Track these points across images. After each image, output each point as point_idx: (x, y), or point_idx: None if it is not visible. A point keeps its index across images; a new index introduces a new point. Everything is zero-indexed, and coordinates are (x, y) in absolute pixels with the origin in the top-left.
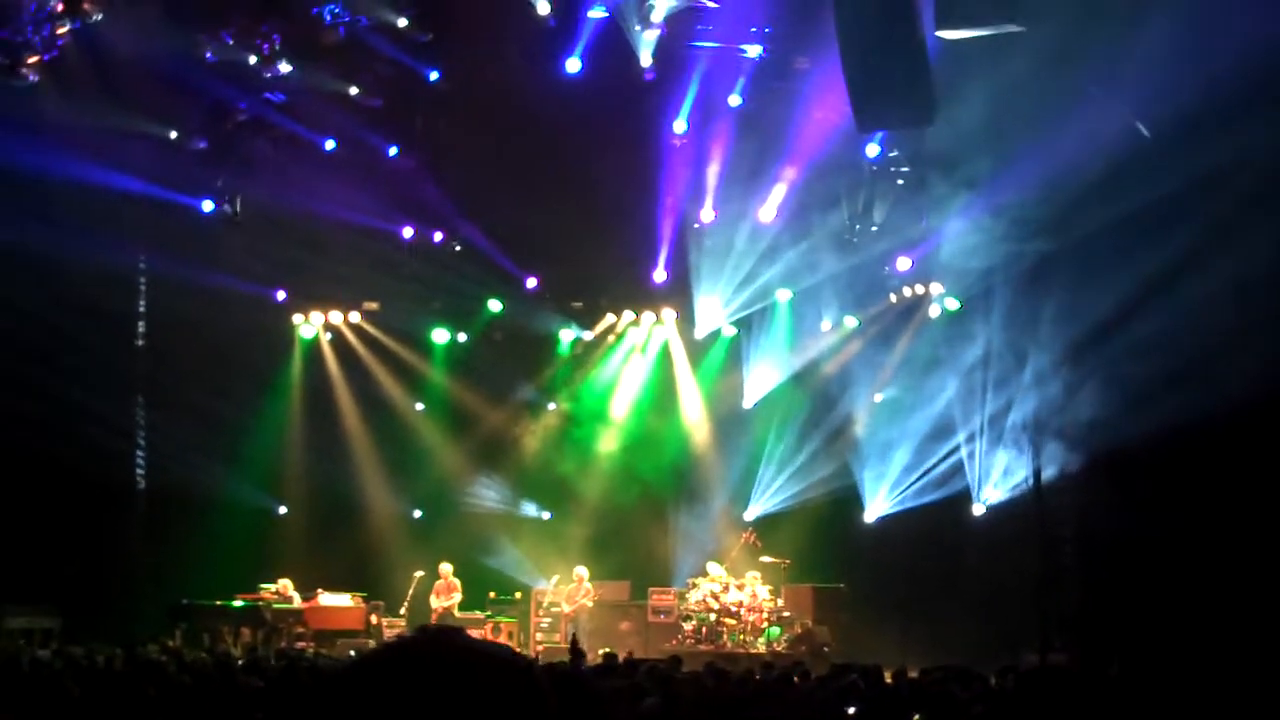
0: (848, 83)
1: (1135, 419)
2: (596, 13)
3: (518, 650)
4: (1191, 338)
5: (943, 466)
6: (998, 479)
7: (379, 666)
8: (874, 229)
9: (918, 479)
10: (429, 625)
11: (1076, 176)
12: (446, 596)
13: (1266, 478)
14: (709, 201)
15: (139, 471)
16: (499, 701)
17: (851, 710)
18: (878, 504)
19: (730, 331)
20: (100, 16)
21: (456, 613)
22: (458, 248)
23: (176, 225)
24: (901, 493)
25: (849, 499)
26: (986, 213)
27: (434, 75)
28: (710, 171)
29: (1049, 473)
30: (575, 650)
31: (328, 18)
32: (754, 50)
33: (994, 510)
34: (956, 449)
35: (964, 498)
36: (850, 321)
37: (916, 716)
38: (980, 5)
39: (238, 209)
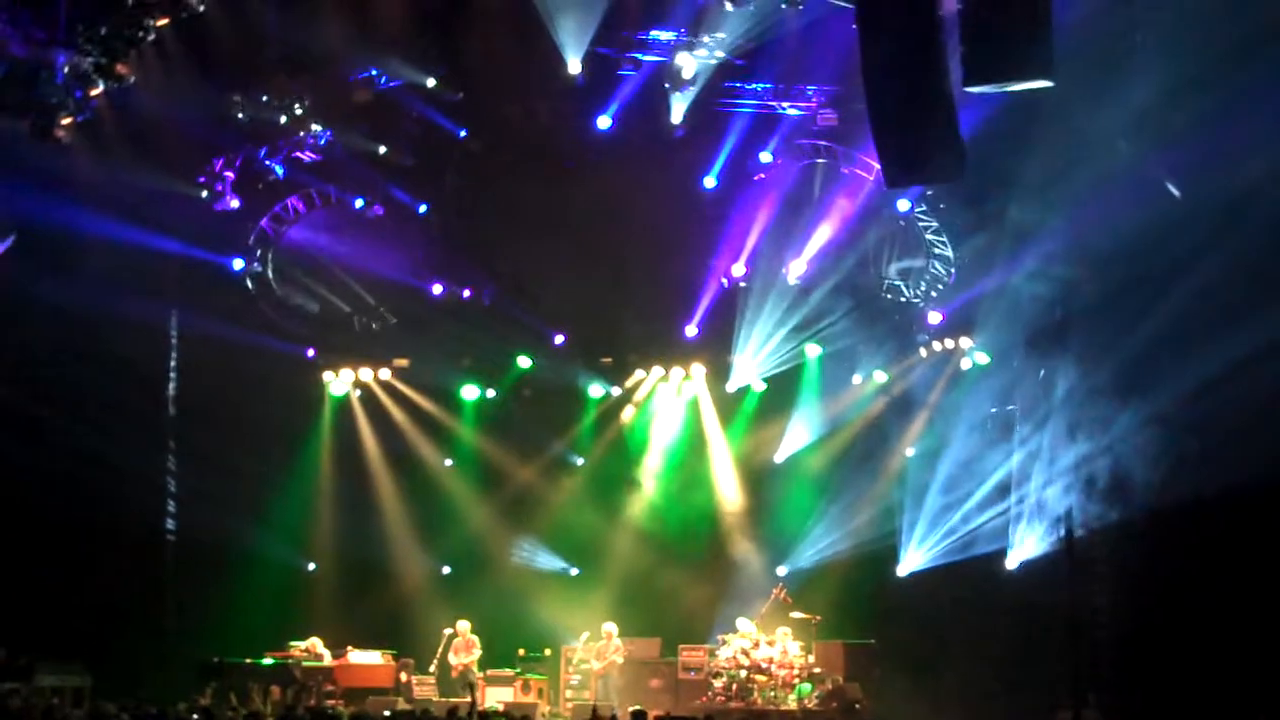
0: (875, 139)
1: (1174, 481)
2: (627, 71)
3: None
4: (1233, 405)
5: (975, 521)
6: (1030, 534)
7: None
8: (905, 283)
9: (950, 534)
10: None
11: (1112, 235)
12: (466, 653)
13: None
14: (741, 257)
15: (169, 527)
16: None
17: None
18: (910, 559)
19: (760, 386)
20: (134, 78)
21: (476, 669)
22: (487, 304)
23: (208, 282)
24: (934, 548)
25: (881, 554)
26: (1022, 270)
27: (463, 133)
28: (740, 227)
29: (1082, 529)
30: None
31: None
32: (784, 107)
33: (1026, 566)
34: (989, 503)
35: (997, 553)
36: (880, 376)
37: None
38: (1009, 61)
39: (269, 267)
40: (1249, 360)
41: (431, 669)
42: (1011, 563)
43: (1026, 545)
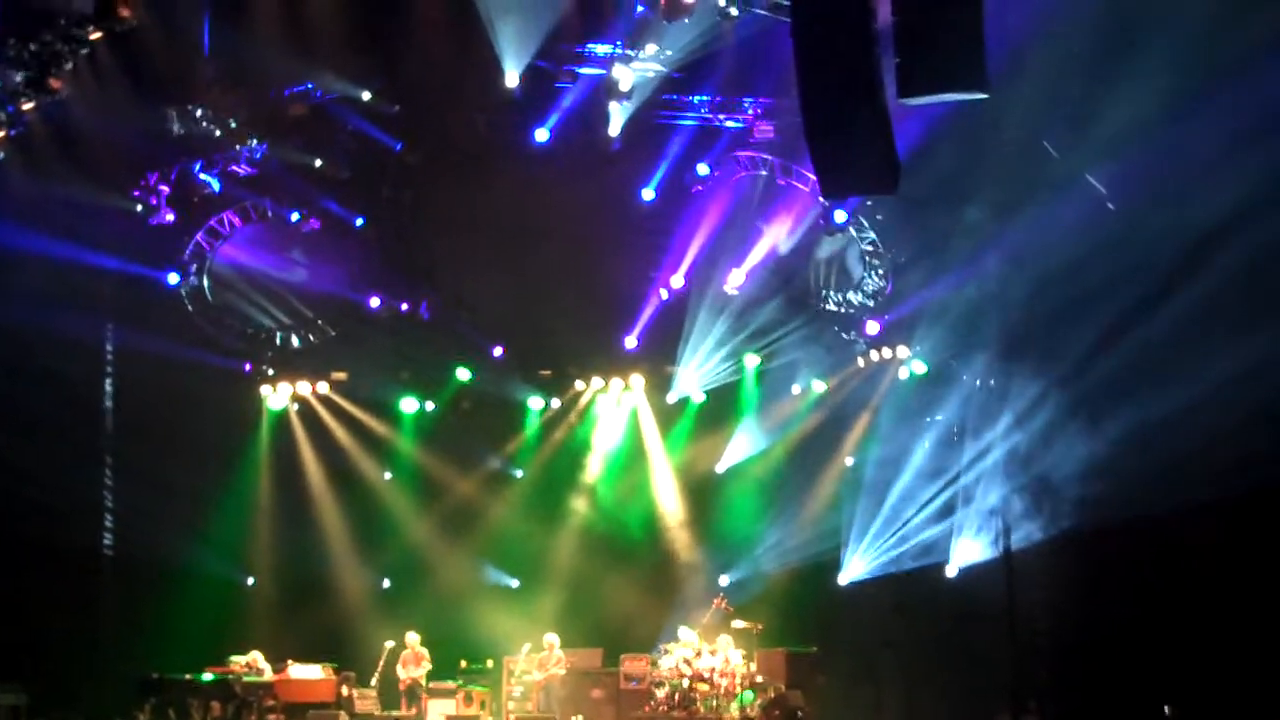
0: (810, 151)
1: (1113, 495)
2: (564, 84)
3: None
4: (1169, 429)
5: (915, 530)
6: (970, 543)
7: None
8: (842, 293)
9: (891, 542)
10: None
11: (1050, 249)
12: (415, 666)
13: (1234, 565)
14: (680, 269)
15: (106, 543)
16: None
17: None
18: (851, 568)
19: (700, 397)
20: (66, 92)
21: (425, 683)
22: (425, 317)
23: (143, 297)
24: (875, 557)
25: (822, 563)
26: (957, 286)
27: (400, 146)
28: (679, 240)
29: (1020, 537)
30: None
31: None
32: (722, 120)
33: (966, 574)
34: (929, 512)
35: (937, 562)
36: (819, 386)
37: None
38: (943, 73)
39: (205, 281)
40: (1194, 379)
41: (373, 682)
42: (951, 571)
43: (966, 554)
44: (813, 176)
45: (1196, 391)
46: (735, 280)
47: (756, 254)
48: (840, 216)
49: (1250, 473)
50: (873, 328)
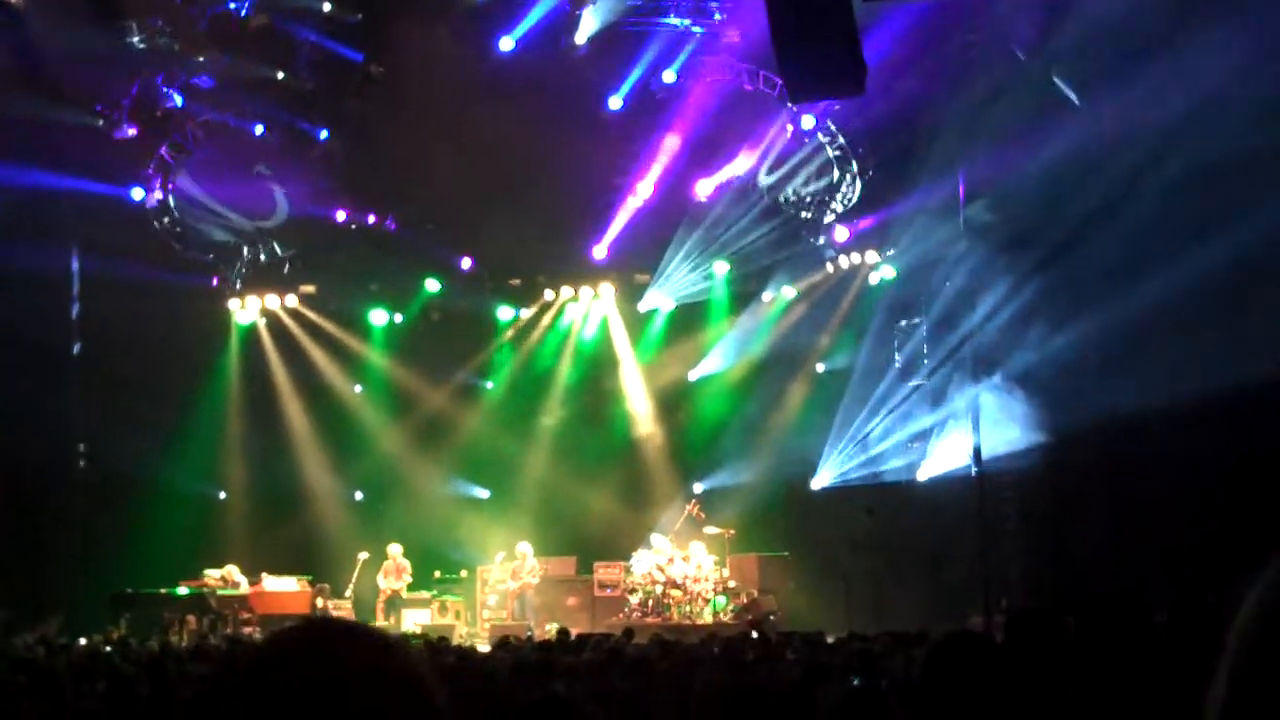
0: (777, 54)
1: (1082, 403)
2: None
3: (410, 641)
4: (1140, 331)
5: (885, 435)
6: (940, 446)
7: (250, 672)
8: (811, 200)
9: (860, 449)
10: (311, 619)
11: (1021, 151)
12: (396, 578)
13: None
14: (649, 178)
15: (79, 464)
16: (377, 703)
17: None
18: (823, 474)
19: (670, 305)
20: (23, 5)
21: (405, 594)
22: (392, 229)
23: (107, 214)
24: (845, 463)
25: (793, 470)
26: (927, 191)
27: (362, 57)
28: (648, 148)
29: (991, 439)
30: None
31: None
32: (690, 26)
33: (937, 477)
34: (898, 417)
35: (907, 466)
36: (789, 292)
37: (856, 680)
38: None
39: (169, 197)
40: (1166, 291)
41: (348, 594)
42: (923, 475)
43: (937, 457)
44: (780, 81)
45: (1170, 291)
46: (704, 188)
47: (724, 161)
48: (808, 122)
49: (1221, 377)
50: (842, 234)
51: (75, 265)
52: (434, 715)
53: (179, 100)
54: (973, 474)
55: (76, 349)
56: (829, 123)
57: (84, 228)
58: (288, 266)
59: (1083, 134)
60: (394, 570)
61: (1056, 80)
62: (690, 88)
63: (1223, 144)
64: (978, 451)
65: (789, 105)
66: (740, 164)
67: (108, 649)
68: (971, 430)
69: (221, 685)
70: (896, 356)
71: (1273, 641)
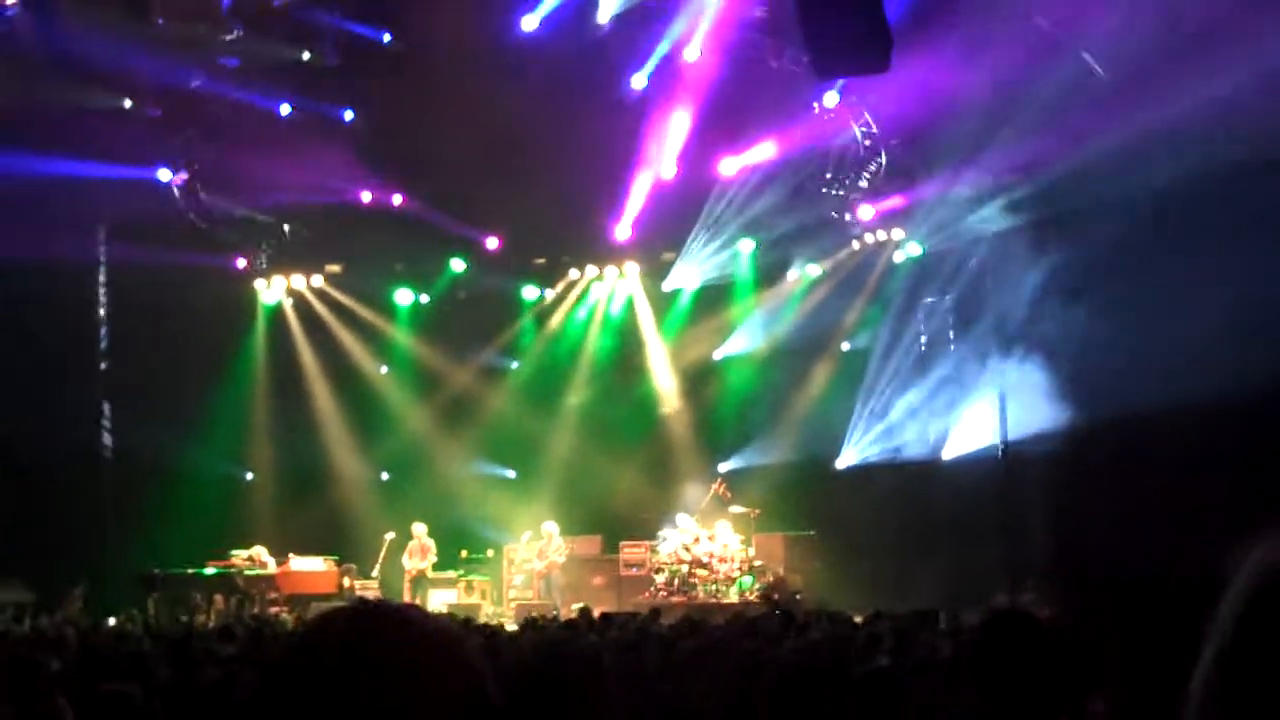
0: (802, 29)
1: (1113, 390)
2: None
3: (459, 625)
4: (1172, 310)
5: (909, 413)
6: (966, 427)
7: (305, 653)
8: (836, 178)
9: (886, 428)
10: (363, 601)
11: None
12: (421, 557)
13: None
14: (671, 156)
15: (105, 445)
16: (431, 689)
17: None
18: (848, 453)
19: (695, 283)
20: None
21: (431, 574)
22: (418, 209)
23: (133, 197)
24: (871, 443)
25: (818, 449)
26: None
27: (387, 37)
28: (671, 126)
29: (1016, 417)
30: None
31: None
32: (712, 2)
33: (962, 456)
34: (923, 395)
35: (934, 447)
36: (814, 270)
37: (882, 660)
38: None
39: (195, 177)
40: (1199, 282)
41: (374, 573)
42: (948, 454)
43: (962, 438)
44: (805, 57)
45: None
46: (728, 166)
47: (749, 138)
48: (832, 99)
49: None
50: (867, 212)
51: (102, 253)
52: (487, 709)
53: (203, 81)
54: (999, 452)
55: (104, 334)
56: (854, 99)
57: (111, 214)
58: (313, 247)
59: (1121, 117)
60: (419, 550)
61: (1085, 55)
62: (714, 64)
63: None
64: (1004, 430)
65: (814, 81)
66: (764, 141)
67: (129, 626)
68: (997, 408)
69: (267, 672)
70: (922, 335)
71: (1261, 623)
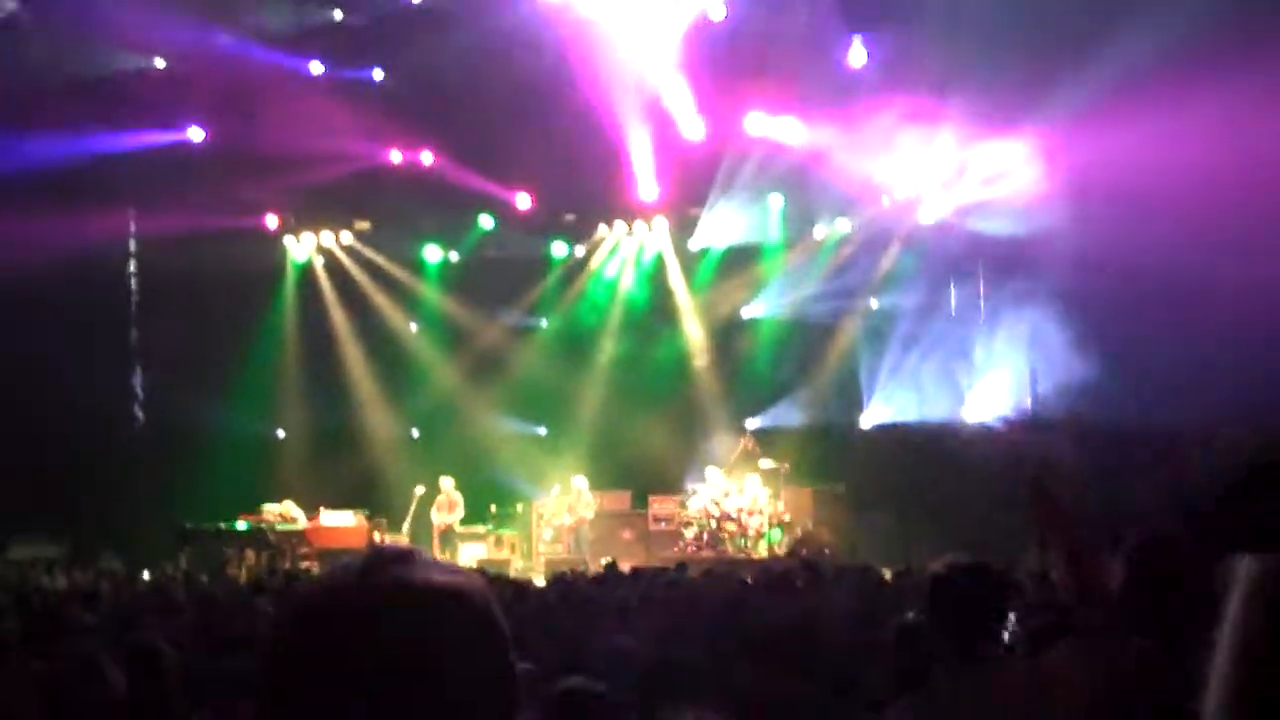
0: None
1: (1140, 337)
2: None
3: (479, 578)
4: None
5: (939, 371)
6: (994, 382)
7: (321, 602)
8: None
9: (914, 384)
10: (382, 550)
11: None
12: (449, 511)
13: None
14: (698, 112)
15: (139, 400)
16: (451, 638)
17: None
18: (876, 409)
19: (724, 240)
20: None
21: (458, 528)
22: (447, 166)
23: (163, 158)
24: (896, 399)
25: (846, 406)
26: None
27: None
28: (698, 86)
29: (1046, 374)
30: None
31: None
32: None
33: (990, 414)
34: (952, 353)
35: (960, 402)
36: (843, 225)
37: (910, 615)
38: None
39: (224, 135)
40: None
41: (405, 528)
42: (976, 411)
43: (991, 395)
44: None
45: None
46: (757, 124)
47: (775, 93)
48: (860, 57)
49: None
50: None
51: (132, 223)
52: (501, 655)
53: (233, 40)
54: (1028, 409)
55: (134, 301)
56: (882, 53)
57: (140, 183)
58: (342, 204)
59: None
60: (446, 504)
61: None
62: (742, 19)
63: None
64: (1033, 387)
65: (845, 35)
66: (793, 96)
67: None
68: (1027, 366)
69: (283, 620)
70: (952, 293)
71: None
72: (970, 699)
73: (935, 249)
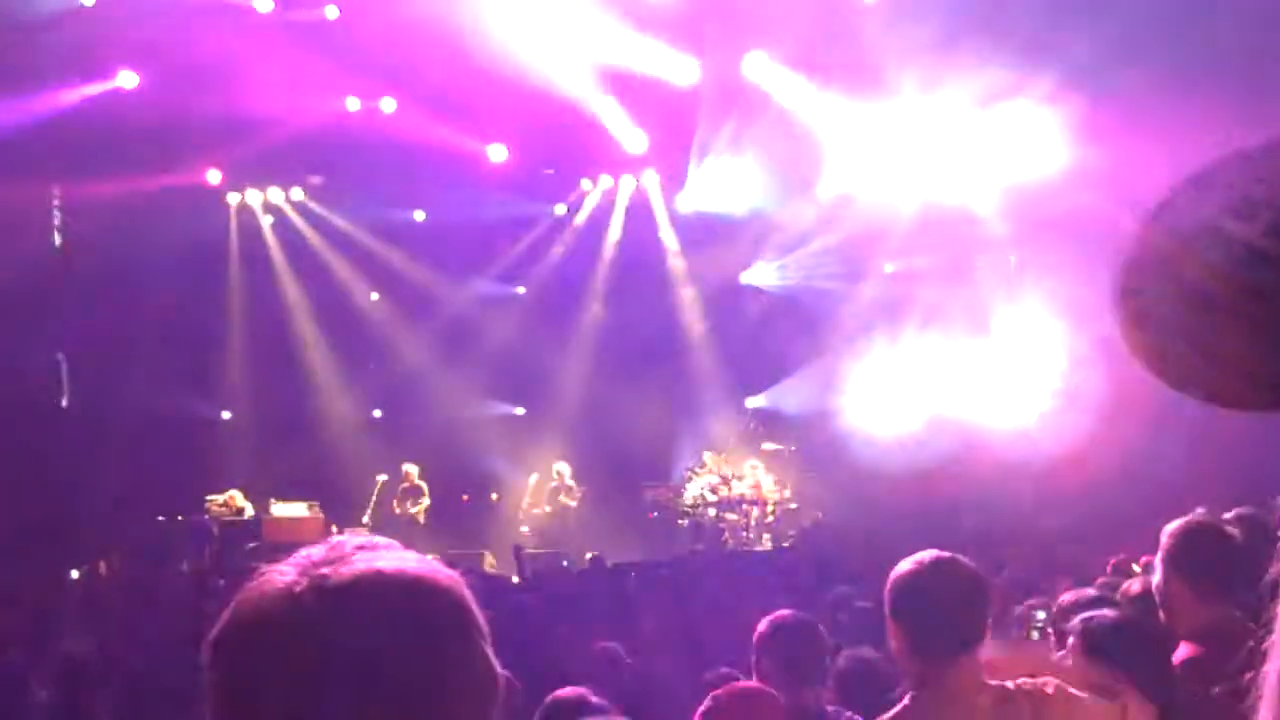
0: None
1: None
2: None
3: (452, 572)
4: None
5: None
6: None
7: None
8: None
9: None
10: (344, 539)
11: None
12: (413, 501)
13: None
14: (690, 61)
15: (63, 388)
16: (424, 635)
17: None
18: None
19: (720, 196)
20: None
21: (423, 519)
22: (411, 115)
23: (92, 124)
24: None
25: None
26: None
27: None
28: (689, 30)
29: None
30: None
31: None
32: None
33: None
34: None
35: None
36: (848, 183)
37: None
38: None
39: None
40: None
41: (365, 520)
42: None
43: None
44: None
45: None
46: (754, 73)
47: (778, 44)
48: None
49: None
50: None
51: (55, 196)
52: (486, 667)
53: None
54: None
55: (57, 262)
56: None
57: (62, 151)
58: (293, 156)
59: None
60: (409, 494)
61: None
62: None
63: None
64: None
65: None
66: (784, 48)
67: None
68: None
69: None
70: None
71: None
72: None
73: (953, 212)
